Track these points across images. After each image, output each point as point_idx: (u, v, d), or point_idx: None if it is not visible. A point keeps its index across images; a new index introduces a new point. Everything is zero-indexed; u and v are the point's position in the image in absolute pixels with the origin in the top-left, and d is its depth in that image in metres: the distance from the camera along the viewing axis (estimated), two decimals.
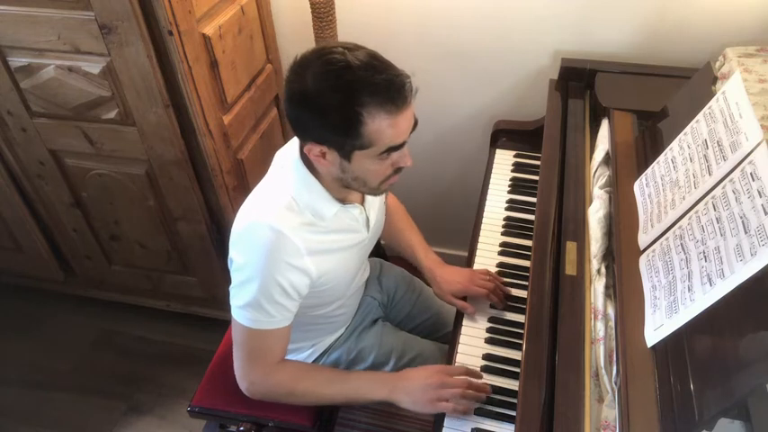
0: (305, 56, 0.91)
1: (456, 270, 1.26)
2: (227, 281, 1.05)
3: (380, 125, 0.89)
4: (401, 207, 1.39)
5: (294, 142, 1.06)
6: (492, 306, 1.20)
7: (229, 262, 1.04)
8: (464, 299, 1.21)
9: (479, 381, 1.05)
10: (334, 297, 1.16)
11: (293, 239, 0.97)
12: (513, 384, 1.05)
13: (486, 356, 1.11)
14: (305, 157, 1.01)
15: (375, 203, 1.18)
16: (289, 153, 1.05)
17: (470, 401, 1.01)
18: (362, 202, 1.12)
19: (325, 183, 1.02)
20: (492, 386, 1.05)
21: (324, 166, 0.98)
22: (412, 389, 1.04)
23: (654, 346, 0.85)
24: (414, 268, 1.50)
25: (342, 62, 0.87)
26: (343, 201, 1.05)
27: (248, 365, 1.08)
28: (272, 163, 1.10)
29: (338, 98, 0.87)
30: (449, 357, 1.13)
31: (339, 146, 0.92)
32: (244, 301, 1.00)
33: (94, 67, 1.35)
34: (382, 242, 1.94)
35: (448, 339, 1.21)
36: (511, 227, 1.36)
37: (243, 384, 1.10)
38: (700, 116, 1.02)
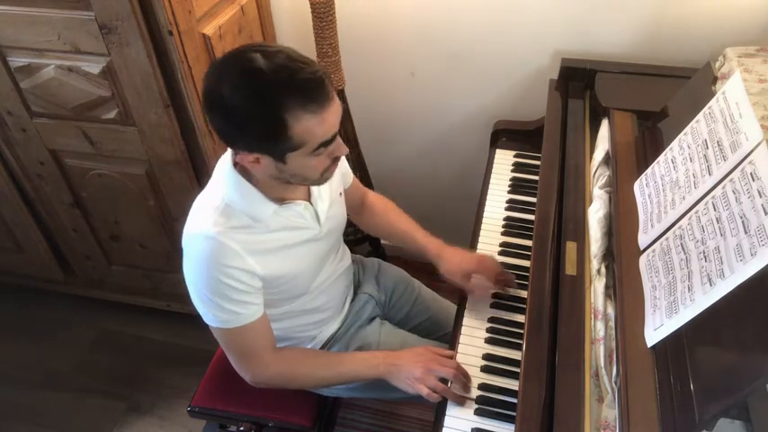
0: (220, 61, 0.90)
1: (463, 250, 1.26)
2: None
3: (307, 125, 0.88)
4: (390, 203, 1.39)
5: None
6: (492, 306, 1.20)
7: None
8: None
9: (466, 381, 1.06)
10: (299, 291, 1.16)
11: (228, 243, 0.97)
12: (513, 384, 1.05)
13: (486, 356, 1.11)
14: (238, 163, 1.00)
15: (325, 197, 1.14)
16: (225, 159, 1.05)
17: (450, 395, 1.05)
18: (308, 198, 1.11)
19: (262, 185, 1.01)
20: (492, 386, 1.06)
21: (260, 171, 0.97)
22: (401, 368, 1.09)
23: (654, 346, 0.85)
24: (413, 269, 1.50)
25: (255, 70, 0.85)
26: (282, 200, 1.04)
27: (242, 362, 1.11)
28: (215, 170, 1.08)
29: (259, 108, 0.86)
30: None
31: (270, 151, 0.92)
32: (205, 308, 1.03)
33: (94, 67, 1.35)
34: (383, 241, 1.95)
35: (447, 339, 1.21)
36: (511, 227, 1.36)
37: (245, 377, 1.13)
38: (700, 116, 1.02)
